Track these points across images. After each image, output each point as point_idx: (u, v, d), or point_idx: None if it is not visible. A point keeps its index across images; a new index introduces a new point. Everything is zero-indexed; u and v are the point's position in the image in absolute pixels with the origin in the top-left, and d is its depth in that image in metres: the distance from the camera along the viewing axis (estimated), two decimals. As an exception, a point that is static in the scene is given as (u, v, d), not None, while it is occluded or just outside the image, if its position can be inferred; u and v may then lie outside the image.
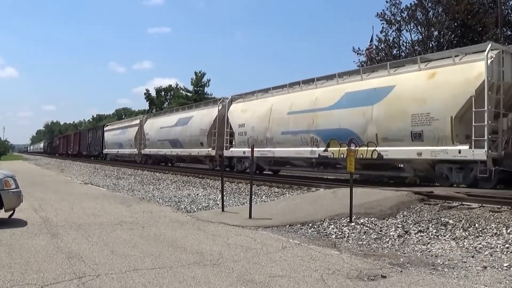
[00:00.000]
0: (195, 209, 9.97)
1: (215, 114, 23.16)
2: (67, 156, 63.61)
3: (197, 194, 12.91)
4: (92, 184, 16.98)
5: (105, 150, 43.78)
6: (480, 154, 11.04)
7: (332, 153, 15.10)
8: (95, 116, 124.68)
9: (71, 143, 64.08)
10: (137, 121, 36.06)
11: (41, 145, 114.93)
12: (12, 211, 7.80)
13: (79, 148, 57.50)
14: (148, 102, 71.17)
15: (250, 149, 11.21)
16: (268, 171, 20.46)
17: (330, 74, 16.59)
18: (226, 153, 21.34)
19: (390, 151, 13.35)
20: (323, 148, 15.48)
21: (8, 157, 72.48)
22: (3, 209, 7.56)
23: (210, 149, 23.17)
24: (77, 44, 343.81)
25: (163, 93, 70.63)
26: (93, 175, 22.52)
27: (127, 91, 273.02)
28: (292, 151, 16.99)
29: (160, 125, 30.55)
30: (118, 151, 39.90)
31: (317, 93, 16.34)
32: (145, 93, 71.64)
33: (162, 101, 68.92)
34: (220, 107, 22.95)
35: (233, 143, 21.16)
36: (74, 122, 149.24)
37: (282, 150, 17.54)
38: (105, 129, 45.21)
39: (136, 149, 34.68)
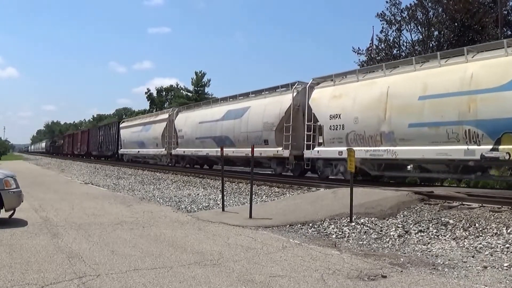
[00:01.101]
0: (196, 209, 9.97)
1: (287, 103, 17.55)
2: (73, 156, 59.25)
3: (198, 194, 12.92)
4: (92, 184, 16.98)
5: (121, 150, 38.61)
6: None
7: (508, 153, 10.59)
8: (95, 116, 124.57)
9: (78, 142, 59.11)
10: (165, 116, 30.19)
11: (43, 144, 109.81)
12: (12, 211, 7.80)
13: (87, 147, 52.51)
14: (149, 102, 71.16)
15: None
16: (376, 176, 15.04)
17: (493, 42, 12.82)
18: (308, 153, 16.33)
19: None
20: (490, 146, 10.90)
21: (9, 157, 72.52)
22: (4, 209, 7.56)
23: (280, 148, 17.72)
24: (77, 44, 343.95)
25: (164, 93, 70.59)
26: (94, 175, 22.53)
27: (127, 91, 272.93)
28: (429, 151, 12.15)
29: (198, 119, 24.76)
30: (138, 151, 34.31)
31: (473, 69, 11.57)
32: (146, 93, 71.66)
33: (163, 100, 68.89)
34: (295, 94, 17.44)
35: (318, 141, 16.14)
36: (74, 122, 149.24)
37: (410, 149, 12.77)
38: (121, 125, 39.67)
39: (163, 149, 29.31)
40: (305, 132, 16.40)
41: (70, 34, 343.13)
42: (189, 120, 26.16)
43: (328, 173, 16.16)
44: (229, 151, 19.89)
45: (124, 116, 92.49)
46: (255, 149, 16.32)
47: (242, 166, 22.68)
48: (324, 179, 15.89)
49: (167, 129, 28.95)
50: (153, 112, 48.98)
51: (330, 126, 15.32)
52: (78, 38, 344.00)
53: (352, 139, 14.41)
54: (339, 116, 14.98)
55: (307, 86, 17.03)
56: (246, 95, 21.85)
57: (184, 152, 26.28)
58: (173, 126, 27.95)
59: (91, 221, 8.03)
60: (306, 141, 16.37)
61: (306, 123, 16.43)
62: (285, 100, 17.87)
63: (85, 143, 53.72)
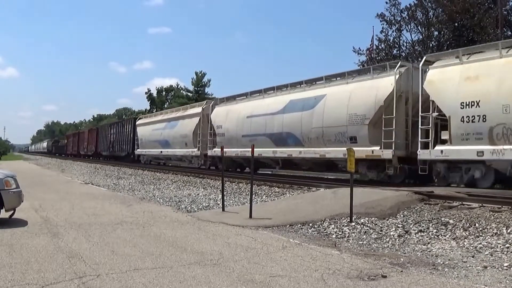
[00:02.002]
0: (196, 209, 9.98)
1: (387, 89, 13.61)
2: (79, 157, 54.75)
3: (198, 194, 12.92)
4: (92, 184, 16.98)
5: (138, 150, 33.86)
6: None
7: None
8: (95, 116, 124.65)
9: (84, 141, 54.42)
10: (197, 110, 25.52)
11: (44, 144, 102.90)
12: (12, 211, 7.80)
13: (96, 147, 48.19)
14: (149, 102, 71.17)
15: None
16: None
17: None
18: (425, 154, 12.50)
19: None
20: None
21: (9, 157, 72.51)
22: (4, 209, 7.56)
23: (375, 147, 13.70)
24: (77, 44, 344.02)
25: (164, 93, 70.59)
26: (94, 175, 22.54)
27: (128, 91, 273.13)
28: None
29: (245, 112, 20.24)
30: (161, 152, 29.69)
31: None
32: (146, 93, 71.65)
33: (163, 100, 68.89)
34: (397, 77, 13.55)
35: (441, 137, 12.32)
36: (74, 122, 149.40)
37: None
38: (138, 122, 34.86)
39: (195, 149, 24.78)
40: (420, 126, 12.62)
41: (71, 34, 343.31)
42: (231, 115, 21.24)
43: (456, 179, 12.13)
44: (293, 151, 16.84)
45: (124, 116, 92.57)
46: (331, 148, 14.74)
47: (310, 170, 18.45)
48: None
49: (200, 125, 24.36)
50: (167, 109, 41.58)
51: (462, 117, 11.56)
52: (79, 38, 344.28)
53: (500, 135, 10.86)
54: (478, 103, 11.32)
55: (420, 65, 13.27)
56: (315, 81, 17.23)
57: (227, 152, 19.88)
58: (209, 122, 23.30)
59: (91, 221, 8.04)
60: (421, 138, 12.59)
61: (420, 114, 12.69)
62: (383, 85, 13.81)
63: (93, 142, 49.55)
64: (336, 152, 14.83)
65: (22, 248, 5.79)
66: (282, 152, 17.55)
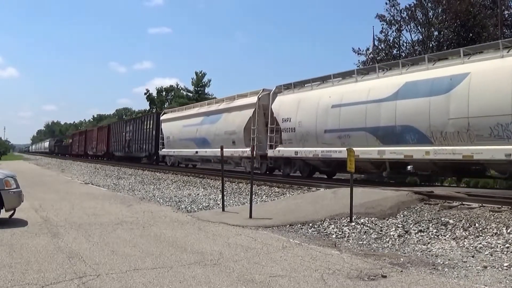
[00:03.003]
0: (196, 209, 9.98)
1: None
2: (86, 158, 50.13)
3: (198, 194, 12.92)
4: (92, 184, 16.98)
5: (164, 150, 28.56)
6: None
7: None
8: (95, 116, 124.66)
9: (93, 140, 49.39)
10: (251, 100, 19.84)
11: (46, 144, 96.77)
12: (12, 211, 7.81)
13: (107, 147, 43.09)
14: (148, 102, 71.12)
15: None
16: None
17: None
18: None
19: None
20: None
21: (9, 157, 72.51)
22: (4, 209, 7.56)
23: None
24: (78, 44, 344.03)
25: (163, 93, 70.56)
26: (94, 175, 22.54)
27: (128, 91, 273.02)
28: None
29: (330, 101, 15.55)
30: (197, 152, 24.20)
31: None
32: (145, 93, 71.58)
33: (163, 100, 68.85)
34: None
35: None
36: (74, 122, 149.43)
37: None
38: (163, 117, 29.38)
39: (248, 148, 19.04)
40: None
41: (71, 34, 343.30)
42: (305, 104, 16.68)
43: None
44: (414, 151, 12.64)
45: (124, 116, 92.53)
46: (484, 146, 10.71)
47: (437, 175, 14.10)
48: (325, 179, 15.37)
49: (255, 119, 19.17)
50: (189, 105, 32.20)
51: None
52: (79, 38, 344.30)
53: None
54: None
55: None
56: (446, 56, 13.61)
57: (296, 153, 16.72)
58: (269, 115, 18.72)
59: (91, 221, 8.04)
60: None
61: None
62: None
63: (104, 141, 44.17)
64: (493, 152, 10.82)
65: (22, 248, 5.79)
66: (394, 152, 13.14)
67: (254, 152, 13.69)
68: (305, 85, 17.65)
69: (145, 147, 32.81)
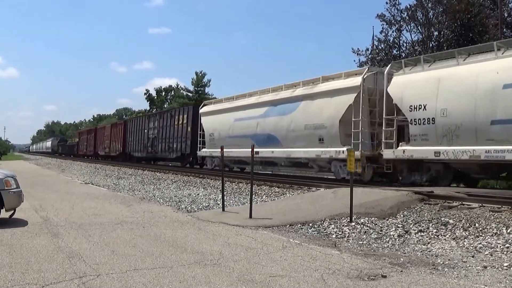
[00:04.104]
0: (196, 209, 9.98)
1: None
2: (96, 159, 45.78)
3: (198, 194, 12.92)
4: (92, 184, 16.98)
5: (205, 150, 23.05)
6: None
7: None
8: (95, 116, 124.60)
9: (105, 139, 43.44)
10: (350, 81, 14.78)
11: (48, 143, 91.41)
12: (12, 211, 7.81)
13: (123, 147, 37.73)
14: (148, 102, 71.13)
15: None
16: None
17: None
18: None
19: None
20: None
21: (9, 157, 72.51)
22: (4, 209, 7.57)
23: None
24: (78, 44, 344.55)
25: (163, 93, 70.57)
26: (94, 175, 22.53)
27: (128, 91, 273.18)
28: None
29: (499, 78, 10.91)
30: (257, 152, 16.58)
31: None
32: (145, 93, 71.58)
33: (163, 100, 68.84)
34: None
35: None
36: (74, 122, 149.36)
37: None
38: (203, 110, 23.85)
39: (343, 148, 14.15)
40: None
41: (71, 34, 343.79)
42: (452, 84, 12.03)
43: None
44: None
45: (124, 116, 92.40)
46: None
47: None
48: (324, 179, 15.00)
49: (360, 107, 14.04)
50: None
51: None
52: (79, 38, 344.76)
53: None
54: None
55: None
56: None
57: (437, 154, 12.14)
58: (386, 101, 13.64)
59: (91, 221, 8.04)
60: None
61: None
62: None
63: (119, 140, 38.65)
64: None
65: (22, 248, 5.79)
66: None
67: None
68: (446, 59, 12.79)
69: (177, 147, 26.95)
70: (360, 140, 13.94)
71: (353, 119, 14.28)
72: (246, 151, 17.88)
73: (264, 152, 17.99)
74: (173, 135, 27.85)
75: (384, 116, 13.67)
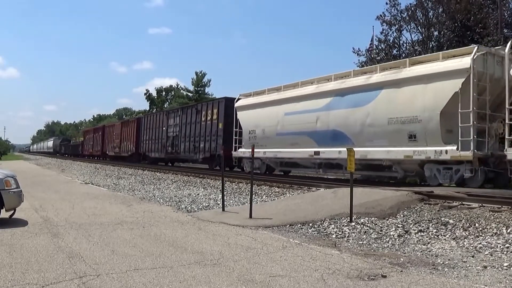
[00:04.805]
0: (196, 209, 9.98)
1: None
2: (104, 159, 42.57)
3: (198, 194, 12.92)
4: (92, 184, 16.98)
5: (243, 150, 20.03)
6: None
7: None
8: (95, 116, 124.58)
9: (114, 138, 39.97)
10: (454, 64, 11.91)
11: (49, 143, 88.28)
12: (13, 211, 7.81)
13: (136, 146, 34.44)
14: (148, 102, 71.15)
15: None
16: None
17: None
18: None
19: None
20: None
21: (9, 157, 72.50)
22: (4, 209, 7.57)
23: None
24: (78, 44, 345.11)
25: (163, 93, 70.58)
26: (94, 175, 22.53)
27: (128, 91, 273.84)
28: None
29: None
30: (317, 153, 15.76)
31: None
32: (145, 93, 71.61)
33: (163, 100, 68.85)
34: None
35: None
36: (74, 122, 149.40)
37: None
38: (240, 104, 20.66)
39: (448, 147, 11.81)
40: None
41: (71, 34, 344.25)
42: None
43: None
44: None
45: (124, 116, 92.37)
46: None
47: None
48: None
49: (471, 95, 11.45)
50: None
51: None
52: (79, 38, 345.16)
53: None
54: None
55: None
56: None
57: None
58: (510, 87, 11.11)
59: (91, 221, 8.04)
60: None
61: None
62: None
63: (132, 139, 35.38)
64: None
65: (22, 248, 5.79)
66: None
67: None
68: None
69: (204, 146, 23.51)
70: (471, 137, 11.33)
71: (460, 110, 11.60)
72: (302, 151, 16.01)
73: (328, 152, 15.11)
74: (200, 133, 24.45)
75: (507, 106, 10.94)
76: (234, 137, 20.67)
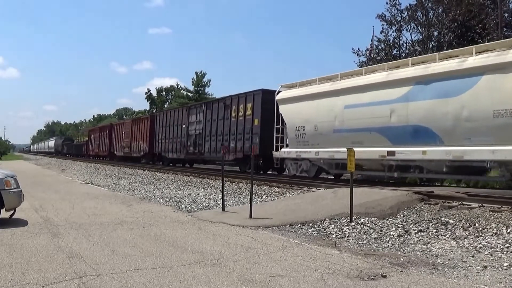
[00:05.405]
0: (196, 209, 9.98)
1: None
2: (111, 160, 39.21)
3: (198, 194, 12.92)
4: (92, 184, 16.98)
5: (288, 150, 17.24)
6: None
7: None
8: (95, 116, 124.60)
9: (124, 137, 36.90)
10: None
11: (51, 143, 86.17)
12: (13, 211, 7.80)
13: (150, 146, 31.30)
14: (149, 102, 71.17)
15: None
16: None
17: None
18: None
19: None
20: None
21: (9, 157, 72.49)
22: (4, 209, 7.56)
23: None
24: (78, 44, 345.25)
25: (164, 93, 70.58)
26: (94, 175, 22.53)
27: (128, 91, 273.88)
28: None
29: None
30: (391, 153, 13.02)
31: None
32: (146, 93, 71.64)
33: (163, 100, 68.85)
34: None
35: None
36: (74, 122, 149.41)
37: None
38: (281, 96, 17.70)
39: None
40: None
41: (71, 34, 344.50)
42: None
43: None
44: None
45: (124, 117, 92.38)
46: None
47: None
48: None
49: None
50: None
51: None
52: (79, 38, 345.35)
53: None
54: None
55: None
56: None
57: None
58: None
59: (91, 221, 8.04)
60: None
61: None
62: None
63: (144, 138, 32.37)
64: None
65: (23, 248, 5.79)
66: None
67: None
68: None
69: (235, 146, 20.66)
70: None
71: None
72: (370, 151, 13.10)
73: (406, 152, 12.49)
74: (229, 130, 21.34)
75: None
76: (275, 135, 17.73)
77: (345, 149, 11.99)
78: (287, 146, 17.27)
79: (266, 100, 18.84)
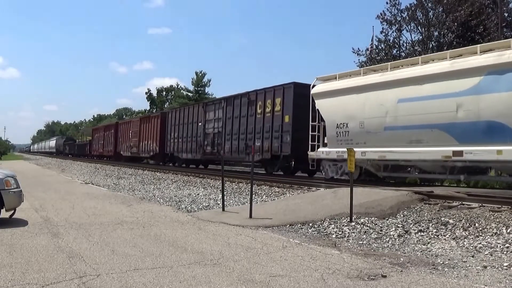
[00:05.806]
0: (196, 209, 9.98)
1: None
2: (117, 161, 36.32)
3: (198, 194, 12.92)
4: (93, 184, 16.98)
5: (327, 150, 15.00)
6: None
7: None
8: (95, 116, 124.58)
9: (131, 137, 34.64)
10: None
11: (52, 143, 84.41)
12: (13, 211, 7.81)
13: (160, 146, 29.30)
14: (149, 102, 71.17)
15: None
16: None
17: None
18: None
19: None
20: None
21: (9, 157, 72.49)
22: (4, 208, 7.56)
23: None
24: (78, 44, 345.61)
25: (164, 93, 70.57)
26: (94, 175, 22.53)
27: (128, 91, 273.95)
28: None
29: None
30: (459, 153, 11.02)
31: None
32: (146, 93, 71.64)
33: (163, 100, 68.85)
34: None
35: None
36: (74, 122, 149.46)
37: None
38: (317, 90, 15.47)
39: None
40: None
41: (72, 34, 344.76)
42: None
43: None
44: None
45: (124, 117, 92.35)
46: None
47: None
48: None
49: None
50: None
51: None
52: (80, 38, 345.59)
53: None
54: None
55: None
56: None
57: None
58: None
59: (91, 221, 8.04)
60: None
61: None
62: None
63: (154, 137, 30.26)
64: None
65: (23, 248, 5.79)
66: None
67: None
68: None
69: (261, 146, 18.69)
70: None
71: None
72: (430, 151, 11.62)
73: (476, 152, 10.79)
74: (254, 128, 19.25)
75: None
76: (310, 133, 15.58)
77: (400, 149, 11.62)
78: (325, 145, 15.26)
79: (299, 94, 17.00)
